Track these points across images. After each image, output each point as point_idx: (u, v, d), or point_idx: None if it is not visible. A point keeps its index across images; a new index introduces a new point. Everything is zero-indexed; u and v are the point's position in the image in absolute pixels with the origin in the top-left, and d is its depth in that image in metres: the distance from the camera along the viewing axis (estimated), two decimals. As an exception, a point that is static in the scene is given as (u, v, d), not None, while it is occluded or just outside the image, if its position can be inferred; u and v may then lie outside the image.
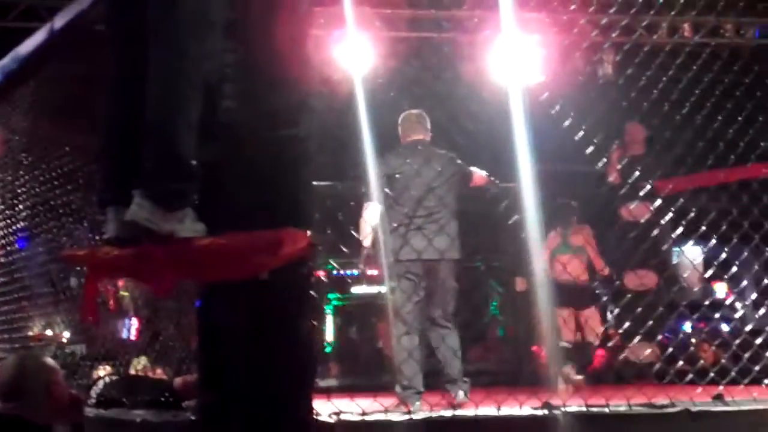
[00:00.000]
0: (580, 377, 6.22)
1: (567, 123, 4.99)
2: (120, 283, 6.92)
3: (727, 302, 7.69)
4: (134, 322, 7.52)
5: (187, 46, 3.29)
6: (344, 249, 6.55)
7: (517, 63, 7.00)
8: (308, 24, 3.88)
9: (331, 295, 13.80)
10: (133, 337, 7.36)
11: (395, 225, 5.83)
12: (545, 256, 7.25)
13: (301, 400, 3.69)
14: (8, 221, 6.50)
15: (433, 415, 3.96)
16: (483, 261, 11.90)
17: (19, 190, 6.21)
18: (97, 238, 5.03)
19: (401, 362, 5.51)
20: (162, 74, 3.30)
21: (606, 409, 4.06)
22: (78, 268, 4.45)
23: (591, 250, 7.41)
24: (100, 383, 5.16)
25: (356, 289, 13.92)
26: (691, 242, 5.09)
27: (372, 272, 7.78)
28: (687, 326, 8.98)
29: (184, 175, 3.29)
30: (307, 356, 3.75)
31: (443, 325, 5.65)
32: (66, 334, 7.44)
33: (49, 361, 3.36)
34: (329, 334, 13.77)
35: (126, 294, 7.21)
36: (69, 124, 5.62)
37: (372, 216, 5.96)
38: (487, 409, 4.00)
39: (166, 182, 3.24)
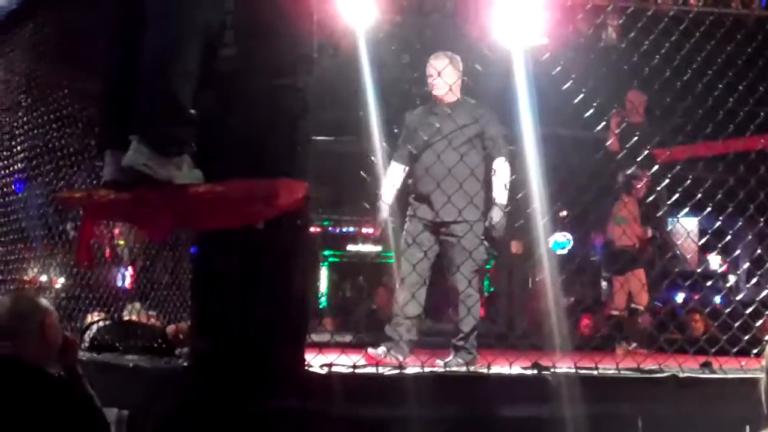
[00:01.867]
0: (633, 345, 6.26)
1: (566, 86, 4.96)
2: (116, 231, 6.92)
3: (720, 273, 7.72)
4: (129, 271, 7.54)
5: (179, 7, 3.29)
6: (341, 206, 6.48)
7: (520, 23, 6.95)
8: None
9: (327, 252, 13.89)
10: (127, 286, 7.38)
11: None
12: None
13: (291, 351, 3.73)
14: (5, 163, 6.48)
15: (425, 371, 3.97)
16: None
17: (16, 132, 6.19)
18: (94, 182, 5.04)
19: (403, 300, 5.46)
20: (160, 21, 3.29)
21: (595, 372, 4.08)
22: (74, 213, 4.44)
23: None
24: (94, 328, 5.19)
25: (352, 247, 14.03)
26: (686, 210, 5.08)
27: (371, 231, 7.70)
28: (679, 297, 9.04)
29: (181, 121, 3.30)
30: (299, 308, 3.78)
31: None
32: (61, 280, 7.46)
33: (44, 302, 3.36)
34: (324, 290, 13.89)
35: (122, 243, 7.22)
36: (69, 67, 5.60)
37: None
38: (477, 368, 4.03)
39: (163, 127, 3.25)
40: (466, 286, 5.36)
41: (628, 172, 6.83)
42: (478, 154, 5.65)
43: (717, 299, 8.21)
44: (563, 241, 12.02)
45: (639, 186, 7.05)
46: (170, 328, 5.05)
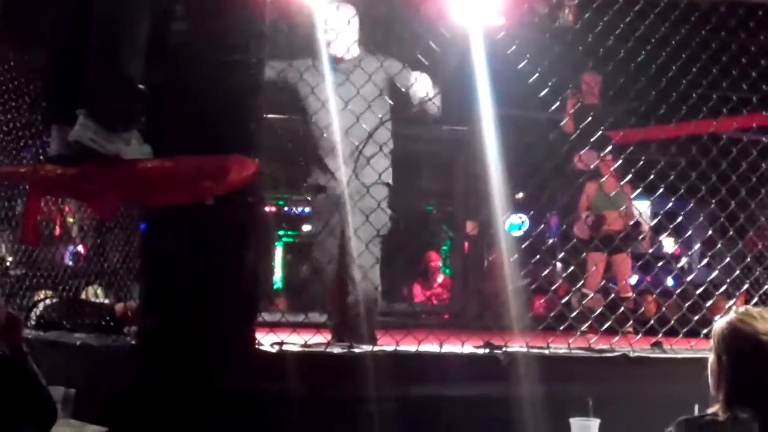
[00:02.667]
0: None
1: (521, 66, 4.94)
2: (66, 208, 6.83)
3: (672, 255, 7.79)
4: (80, 249, 7.45)
5: None
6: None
7: (476, 2, 6.93)
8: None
9: (281, 232, 13.81)
10: (77, 263, 7.29)
11: None
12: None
13: (241, 330, 3.70)
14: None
15: (375, 349, 3.96)
16: (435, 206, 11.97)
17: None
18: (41, 158, 4.96)
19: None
20: (105, 4, 3.23)
21: (546, 351, 4.09)
22: (22, 188, 4.37)
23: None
24: (41, 305, 5.11)
25: (307, 227, 13.97)
26: (637, 191, 5.10)
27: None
28: (632, 279, 9.10)
29: (129, 95, 3.25)
30: (250, 286, 3.74)
31: None
32: (9, 258, 7.35)
33: None
34: (278, 270, 13.81)
35: (72, 220, 7.12)
36: (15, 39, 5.48)
37: None
38: (429, 347, 4.02)
39: (110, 102, 3.20)
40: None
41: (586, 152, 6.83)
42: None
43: (669, 281, 8.28)
44: (518, 222, 12.07)
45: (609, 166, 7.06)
46: (118, 307, 4.98)
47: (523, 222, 11.97)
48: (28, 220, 3.55)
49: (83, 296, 5.53)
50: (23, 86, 5.46)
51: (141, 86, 3.36)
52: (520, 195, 10.52)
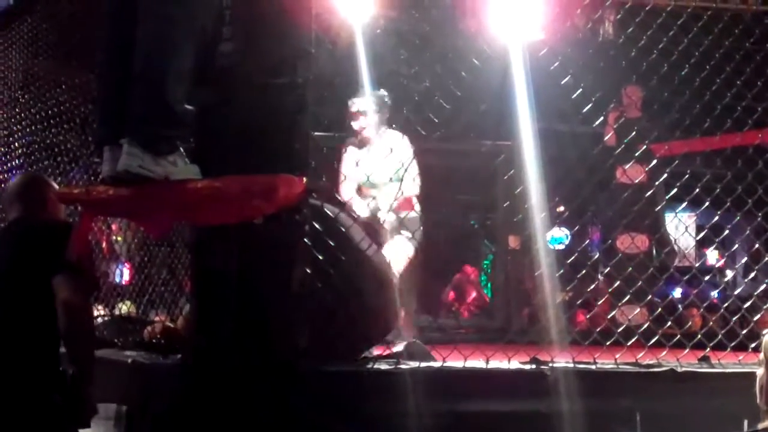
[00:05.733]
0: None
1: (564, 81, 4.95)
2: (114, 227, 6.92)
3: (718, 268, 7.73)
4: (126, 267, 7.53)
5: (179, 9, 3.29)
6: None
7: (517, 18, 6.95)
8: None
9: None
10: (124, 282, 7.37)
11: None
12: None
13: (289, 346, 3.73)
14: (3, 159, 6.48)
15: (422, 365, 3.98)
16: (477, 219, 11.94)
17: (15, 128, 6.19)
18: (92, 179, 5.03)
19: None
20: (154, 22, 3.29)
21: (593, 366, 4.09)
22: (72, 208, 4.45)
23: None
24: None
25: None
26: (683, 205, 5.08)
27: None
28: (677, 291, 9.03)
29: (173, 122, 3.31)
30: (297, 304, 3.78)
31: None
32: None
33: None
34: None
35: (119, 238, 7.21)
36: (67, 63, 5.59)
37: None
38: (476, 362, 4.03)
39: (154, 128, 3.26)
40: None
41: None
42: None
43: (714, 294, 8.22)
44: (560, 236, 12.04)
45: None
46: (146, 331, 4.97)
47: (565, 235, 11.95)
48: (80, 238, 3.61)
49: (119, 312, 5.61)
50: (74, 109, 5.56)
51: (188, 107, 3.41)
52: (562, 209, 10.48)
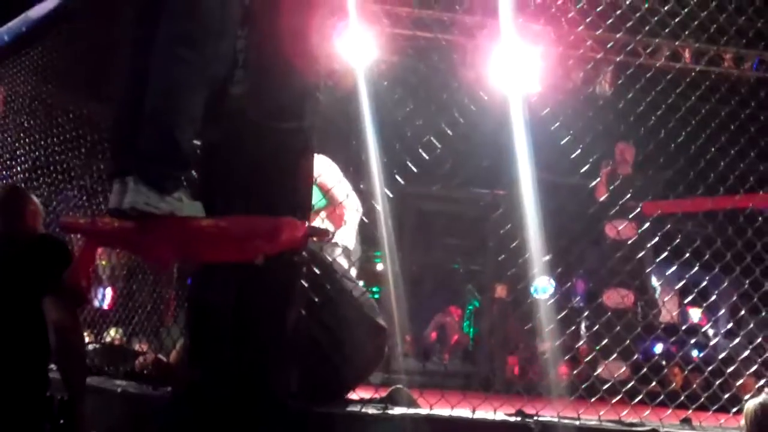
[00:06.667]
0: None
1: (564, 141, 5.05)
2: (99, 251, 6.95)
3: (702, 329, 7.80)
4: (108, 292, 7.56)
5: (194, 54, 3.34)
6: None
7: (516, 71, 7.08)
8: (314, 16, 3.96)
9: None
10: (106, 306, 7.39)
11: None
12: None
13: (282, 385, 3.78)
14: (3, 182, 6.52)
15: (409, 411, 4.02)
16: (461, 264, 12.00)
17: (18, 152, 6.23)
18: (92, 206, 5.08)
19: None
20: (168, 65, 3.34)
21: (576, 422, 4.14)
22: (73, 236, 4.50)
23: None
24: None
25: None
26: (674, 267, 5.16)
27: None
28: (658, 348, 9.10)
29: (180, 162, 3.35)
30: (291, 343, 3.83)
31: None
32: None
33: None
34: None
35: (104, 263, 7.24)
36: (75, 91, 5.65)
37: None
38: (462, 411, 4.08)
39: (161, 167, 3.30)
40: None
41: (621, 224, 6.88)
42: None
43: (694, 353, 8.28)
44: (545, 286, 12.07)
45: None
46: (138, 362, 4.99)
47: (549, 285, 11.98)
48: (82, 266, 3.65)
49: (108, 338, 5.63)
50: (81, 137, 5.61)
51: (195, 143, 3.47)
52: (547, 258, 10.54)
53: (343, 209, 5.86)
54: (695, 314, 10.06)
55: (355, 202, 5.91)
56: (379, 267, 6.30)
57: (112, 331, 5.94)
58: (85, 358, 4.00)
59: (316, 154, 5.97)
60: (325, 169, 5.78)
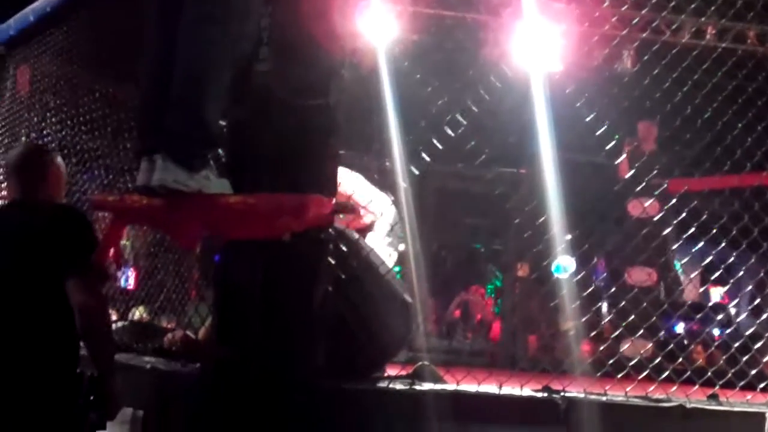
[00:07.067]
0: None
1: (589, 119, 5.03)
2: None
3: (725, 306, 7.78)
4: (132, 272, 7.61)
5: (219, 34, 3.35)
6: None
7: (540, 49, 7.05)
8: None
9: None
10: (130, 287, 7.44)
11: None
12: None
13: (309, 362, 3.80)
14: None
15: (437, 387, 4.04)
16: (483, 243, 11.99)
17: (44, 132, 6.27)
18: (119, 185, 5.11)
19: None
20: (195, 44, 3.36)
21: (603, 398, 4.15)
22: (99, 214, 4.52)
23: None
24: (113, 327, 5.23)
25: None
26: (700, 245, 5.14)
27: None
28: (679, 328, 9.08)
29: (208, 141, 3.37)
30: (319, 320, 3.85)
31: None
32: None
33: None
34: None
35: (127, 243, 7.28)
36: (100, 71, 5.67)
37: None
38: (489, 387, 4.10)
39: (189, 145, 3.31)
40: None
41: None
42: None
43: (717, 332, 8.26)
44: (567, 265, 12.04)
45: None
46: (166, 338, 5.01)
47: (571, 264, 11.96)
48: (111, 245, 3.68)
49: (133, 318, 5.66)
50: (107, 117, 5.63)
51: (222, 122, 3.48)
52: (569, 237, 10.52)
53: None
54: (716, 293, 10.03)
55: (390, 216, 5.96)
56: (401, 247, 6.28)
57: (139, 310, 5.97)
58: (113, 337, 3.96)
59: (346, 170, 6.10)
60: (355, 185, 5.85)
